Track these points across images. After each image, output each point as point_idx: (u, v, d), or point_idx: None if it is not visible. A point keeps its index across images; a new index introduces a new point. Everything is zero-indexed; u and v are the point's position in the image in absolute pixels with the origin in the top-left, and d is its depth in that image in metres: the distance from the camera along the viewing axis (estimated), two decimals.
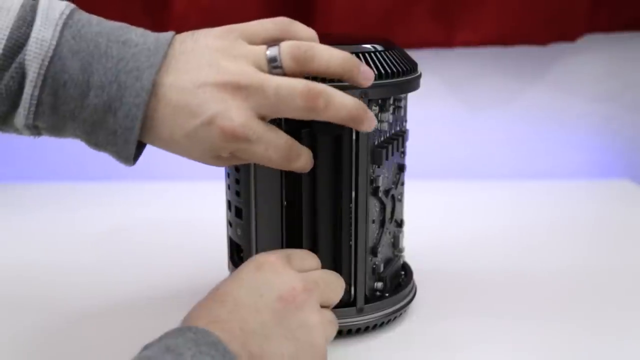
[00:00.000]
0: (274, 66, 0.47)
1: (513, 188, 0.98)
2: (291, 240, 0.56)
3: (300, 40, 0.49)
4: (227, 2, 0.92)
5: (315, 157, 0.53)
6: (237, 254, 0.60)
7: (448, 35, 0.94)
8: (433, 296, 0.64)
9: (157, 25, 0.93)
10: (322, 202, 0.55)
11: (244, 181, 0.55)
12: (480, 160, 1.04)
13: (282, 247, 0.55)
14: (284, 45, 0.48)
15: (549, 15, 0.94)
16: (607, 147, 1.05)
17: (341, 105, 0.47)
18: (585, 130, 1.04)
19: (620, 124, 1.04)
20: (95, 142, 0.48)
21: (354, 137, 0.53)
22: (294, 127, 0.52)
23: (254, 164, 0.54)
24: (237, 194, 0.57)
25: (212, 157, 0.48)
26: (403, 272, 0.63)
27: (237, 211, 0.57)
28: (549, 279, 0.69)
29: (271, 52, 0.48)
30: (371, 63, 0.53)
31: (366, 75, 0.49)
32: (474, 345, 0.57)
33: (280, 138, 0.48)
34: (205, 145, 0.47)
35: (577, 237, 0.81)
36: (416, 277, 0.64)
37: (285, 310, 0.47)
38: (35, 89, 0.45)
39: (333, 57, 0.48)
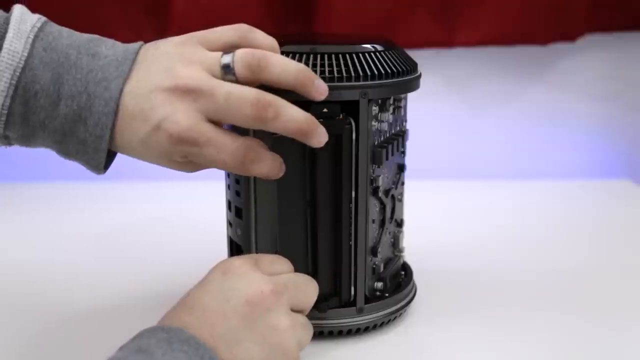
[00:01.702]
0: (227, 72, 0.48)
1: (513, 188, 0.98)
2: (291, 240, 0.56)
3: (259, 48, 0.49)
4: (227, 2, 0.91)
5: (315, 157, 0.54)
6: (237, 254, 0.60)
7: (448, 35, 0.94)
8: (433, 296, 0.64)
9: (157, 25, 0.93)
10: (322, 202, 0.55)
11: (244, 181, 0.55)
12: (480, 160, 1.04)
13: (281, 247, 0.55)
14: (239, 52, 0.48)
15: (549, 15, 0.94)
16: (607, 147, 1.05)
17: (291, 118, 0.47)
18: (585, 130, 1.04)
19: (620, 124, 1.04)
20: (66, 151, 0.48)
21: (354, 137, 0.53)
22: None
23: None
24: (237, 194, 0.57)
25: (169, 162, 0.49)
26: (403, 272, 0.63)
27: (237, 211, 0.57)
28: (549, 279, 0.69)
29: (225, 58, 0.48)
30: (371, 63, 0.53)
31: (320, 89, 0.49)
32: (474, 345, 0.57)
33: (234, 142, 0.48)
34: (158, 150, 0.47)
35: (577, 237, 0.81)
36: (416, 277, 0.64)
37: (253, 314, 0.46)
38: (7, 98, 0.46)
39: (287, 67, 0.48)
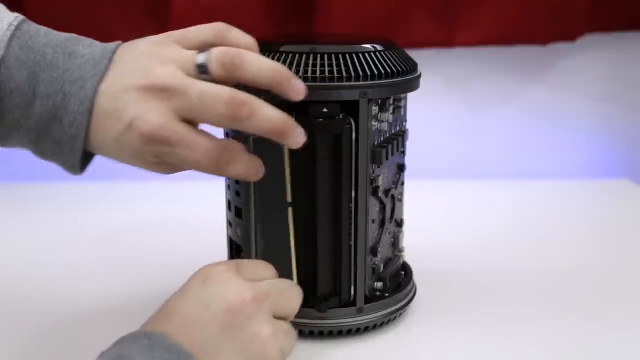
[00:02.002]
0: (202, 71, 0.47)
1: (513, 188, 0.98)
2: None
3: (236, 47, 0.49)
4: (227, 2, 0.91)
5: (315, 157, 0.54)
6: (237, 254, 0.60)
7: (448, 35, 0.94)
8: (433, 296, 0.64)
9: (157, 25, 0.93)
10: (322, 202, 0.55)
11: (244, 181, 0.55)
12: (480, 160, 1.04)
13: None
14: (214, 51, 0.47)
15: (549, 15, 0.94)
16: (607, 147, 1.05)
17: (267, 117, 0.46)
18: (585, 130, 1.04)
19: (620, 124, 1.04)
20: (42, 151, 0.48)
21: (354, 137, 0.53)
22: None
23: None
24: (237, 194, 0.57)
25: (143, 162, 0.48)
26: (403, 272, 0.63)
27: (237, 211, 0.57)
28: (548, 279, 0.69)
29: (200, 57, 0.47)
30: (371, 63, 0.53)
31: (297, 89, 0.48)
32: (474, 345, 0.57)
33: (209, 142, 0.47)
34: (130, 149, 0.47)
35: (577, 237, 0.81)
36: (416, 277, 0.64)
37: (234, 322, 0.45)
38: None
39: (263, 66, 0.47)
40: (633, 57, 1.02)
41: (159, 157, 0.47)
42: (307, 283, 0.56)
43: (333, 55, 0.52)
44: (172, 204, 0.92)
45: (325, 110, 0.52)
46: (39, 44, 0.47)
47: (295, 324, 0.54)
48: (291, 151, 0.53)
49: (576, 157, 1.05)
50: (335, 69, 0.52)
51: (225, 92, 0.46)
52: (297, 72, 0.52)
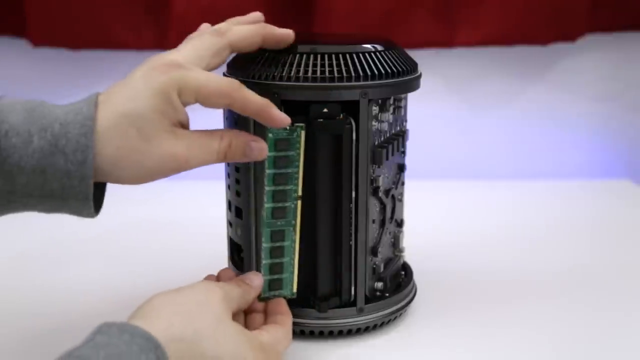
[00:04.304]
0: None
1: (513, 188, 0.98)
2: None
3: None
4: (227, 2, 0.92)
5: (315, 157, 0.54)
6: (237, 254, 0.60)
7: (449, 35, 0.94)
8: (433, 296, 0.64)
9: (157, 25, 0.93)
10: (322, 202, 0.55)
11: (244, 181, 0.55)
12: (480, 160, 1.04)
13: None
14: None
15: (549, 15, 0.94)
16: (607, 147, 1.05)
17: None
18: (585, 130, 1.04)
19: (620, 124, 1.04)
20: (50, 193, 0.46)
21: (354, 137, 0.53)
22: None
23: (254, 166, 0.54)
24: (237, 194, 0.57)
25: (164, 102, 0.47)
26: (403, 272, 0.63)
27: (237, 211, 0.57)
28: (548, 279, 0.69)
29: None
30: (371, 63, 0.53)
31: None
32: (474, 345, 0.57)
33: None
34: (153, 87, 0.46)
35: (577, 237, 0.81)
36: (416, 277, 0.64)
37: None
38: None
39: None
40: (633, 57, 1.02)
41: (180, 90, 0.47)
42: (308, 283, 0.56)
43: (333, 55, 0.52)
44: (172, 204, 0.92)
45: (325, 110, 0.52)
46: (24, 99, 0.47)
47: (295, 324, 0.54)
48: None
49: (576, 157, 1.05)
50: (335, 69, 0.52)
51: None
52: (297, 72, 0.52)
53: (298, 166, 0.53)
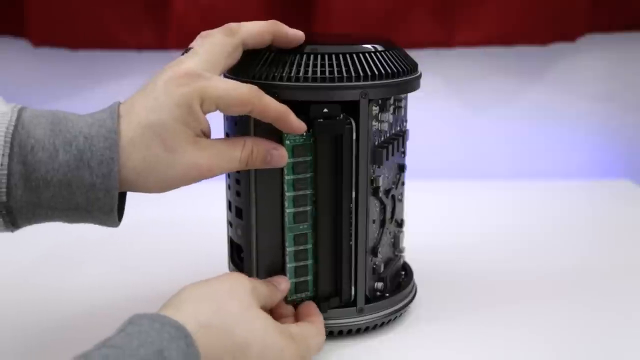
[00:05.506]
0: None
1: (513, 188, 0.98)
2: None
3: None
4: (227, 2, 0.92)
5: (315, 157, 0.54)
6: (238, 255, 0.60)
7: (448, 35, 0.94)
8: (433, 296, 0.64)
9: (157, 25, 0.93)
10: (322, 202, 0.55)
11: (244, 181, 0.55)
12: (480, 160, 1.04)
13: (282, 248, 0.55)
14: None
15: (549, 15, 0.94)
16: (607, 147, 1.05)
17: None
18: (585, 130, 1.04)
19: (620, 124, 1.04)
20: (75, 205, 0.47)
21: (354, 137, 0.53)
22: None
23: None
24: (238, 194, 0.57)
25: (187, 113, 0.47)
26: (403, 272, 0.63)
27: (237, 211, 0.57)
28: (548, 279, 0.69)
29: None
30: (371, 63, 0.53)
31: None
32: (474, 346, 0.57)
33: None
34: (175, 98, 0.47)
35: (577, 237, 0.81)
36: (416, 277, 0.64)
37: None
38: (4, 157, 0.44)
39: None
40: (633, 57, 1.02)
41: (202, 96, 0.47)
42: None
43: (333, 55, 0.52)
44: (172, 204, 0.92)
45: (325, 110, 0.52)
46: (46, 111, 0.47)
47: None
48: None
49: (576, 157, 1.05)
50: (335, 69, 0.52)
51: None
52: (297, 72, 0.52)
53: (313, 170, 0.54)
